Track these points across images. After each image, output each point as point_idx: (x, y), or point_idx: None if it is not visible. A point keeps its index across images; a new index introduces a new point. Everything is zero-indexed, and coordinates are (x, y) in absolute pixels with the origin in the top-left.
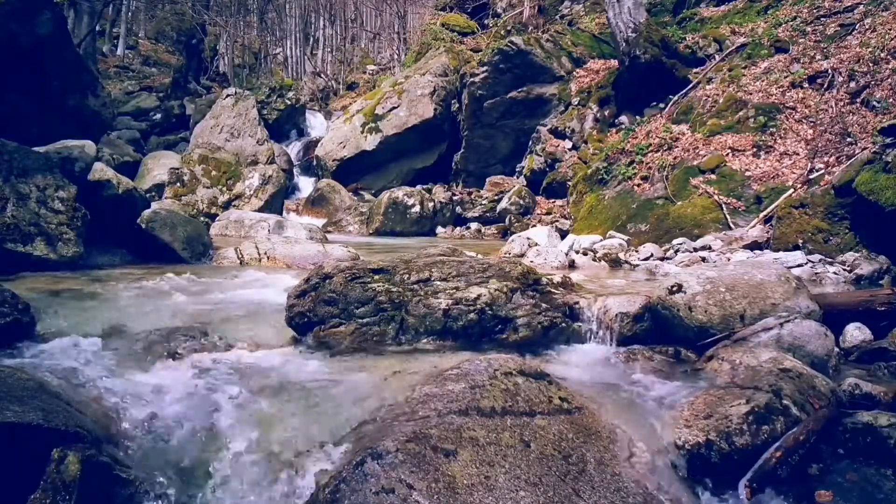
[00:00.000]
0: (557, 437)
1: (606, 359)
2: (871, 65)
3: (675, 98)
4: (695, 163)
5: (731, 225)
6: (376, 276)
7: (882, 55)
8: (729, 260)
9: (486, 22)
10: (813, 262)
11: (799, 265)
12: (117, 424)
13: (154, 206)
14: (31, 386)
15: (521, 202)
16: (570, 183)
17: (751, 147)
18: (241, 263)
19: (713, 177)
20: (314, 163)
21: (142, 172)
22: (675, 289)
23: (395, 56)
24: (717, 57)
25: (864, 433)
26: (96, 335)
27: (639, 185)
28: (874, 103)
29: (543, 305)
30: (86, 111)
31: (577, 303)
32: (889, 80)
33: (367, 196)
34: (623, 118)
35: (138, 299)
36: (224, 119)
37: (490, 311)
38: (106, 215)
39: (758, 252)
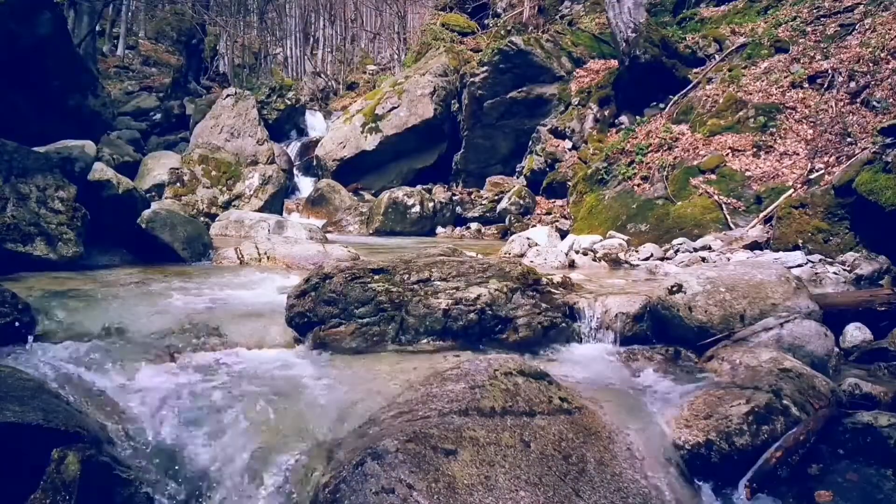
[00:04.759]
0: (557, 437)
1: (606, 359)
2: (871, 65)
3: (675, 98)
4: (695, 163)
5: (731, 225)
6: (376, 276)
7: (882, 55)
8: (729, 260)
9: (486, 22)
10: (813, 262)
11: (799, 265)
12: (117, 424)
13: (154, 206)
14: (31, 386)
15: (521, 202)
16: (570, 183)
17: (751, 147)
18: (241, 263)
19: (713, 177)
20: (314, 163)
21: (142, 172)
22: (675, 289)
23: (395, 56)
24: (717, 57)
25: (864, 433)
26: (96, 335)
27: (639, 185)
28: (874, 103)
29: (543, 305)
30: (86, 111)
31: (577, 303)
32: (889, 80)
33: (367, 196)
34: (623, 118)
35: (138, 299)
36: (224, 119)
37: (490, 311)
38: (106, 215)
39: (758, 252)
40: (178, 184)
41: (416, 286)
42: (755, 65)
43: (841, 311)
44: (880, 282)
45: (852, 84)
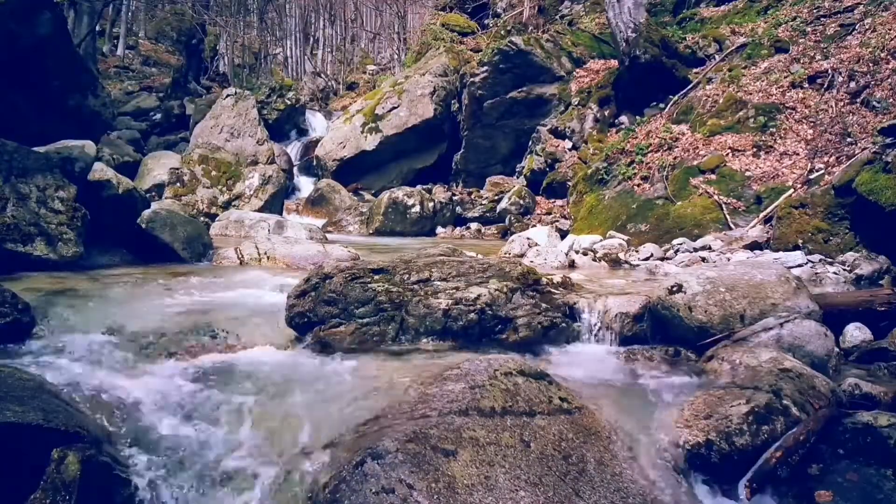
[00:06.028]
0: (557, 437)
1: (606, 359)
2: (871, 65)
3: (675, 98)
4: (695, 163)
5: (731, 225)
6: (376, 276)
7: (882, 55)
8: (729, 260)
9: (486, 22)
10: (813, 262)
11: (799, 265)
12: (117, 424)
13: (154, 206)
14: (31, 386)
15: (521, 202)
16: (570, 183)
17: (751, 147)
18: (241, 263)
19: (713, 177)
20: (314, 163)
21: (142, 172)
22: (675, 289)
23: (395, 56)
24: (717, 57)
25: (864, 433)
26: (96, 335)
27: (639, 185)
28: (874, 103)
29: (543, 305)
30: (86, 111)
31: (577, 303)
32: (889, 80)
33: (367, 196)
34: (623, 118)
35: (138, 299)
36: (224, 119)
37: (490, 311)
38: (106, 215)
39: (758, 252)
40: (178, 184)
41: (416, 286)
42: (755, 65)
43: (841, 311)
44: (880, 282)
45: (852, 84)
